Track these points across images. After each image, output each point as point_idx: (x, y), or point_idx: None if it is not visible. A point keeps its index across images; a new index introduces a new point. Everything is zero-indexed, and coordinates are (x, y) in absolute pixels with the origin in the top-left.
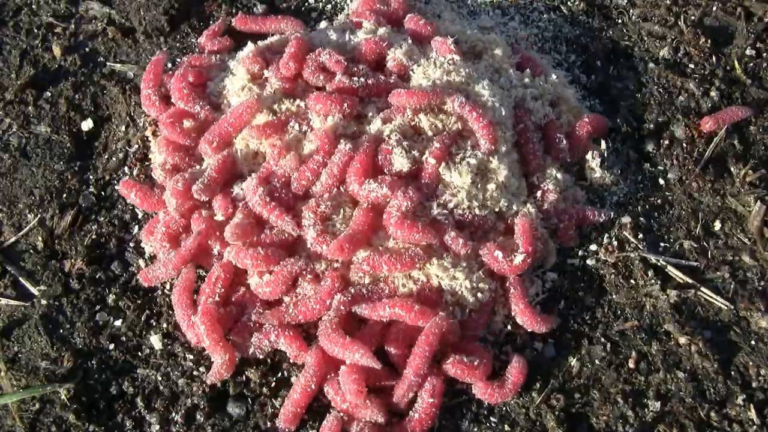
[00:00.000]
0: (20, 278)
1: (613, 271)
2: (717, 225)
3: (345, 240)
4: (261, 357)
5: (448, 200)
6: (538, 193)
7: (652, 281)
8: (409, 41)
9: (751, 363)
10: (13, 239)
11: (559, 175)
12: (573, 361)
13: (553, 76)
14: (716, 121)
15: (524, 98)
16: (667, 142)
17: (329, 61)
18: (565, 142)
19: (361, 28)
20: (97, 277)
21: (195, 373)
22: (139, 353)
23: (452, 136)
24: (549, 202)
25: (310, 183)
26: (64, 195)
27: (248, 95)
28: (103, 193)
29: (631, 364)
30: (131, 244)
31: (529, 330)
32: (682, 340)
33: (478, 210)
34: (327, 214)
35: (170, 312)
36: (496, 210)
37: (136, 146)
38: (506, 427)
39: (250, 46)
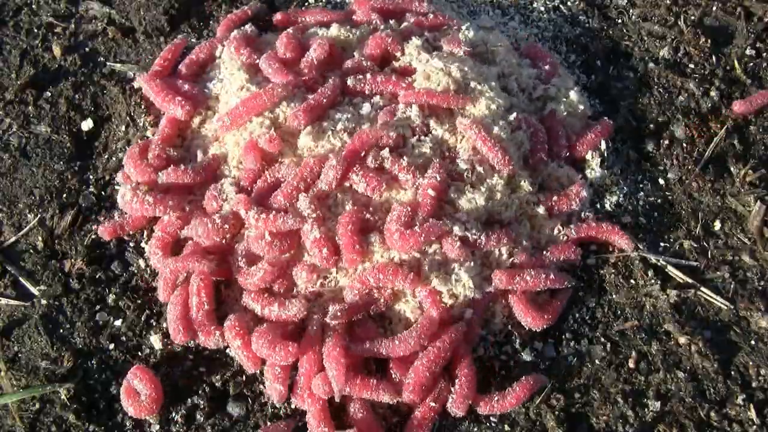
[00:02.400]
0: (20, 278)
1: (613, 271)
2: (717, 225)
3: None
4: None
5: (458, 216)
6: (556, 201)
7: (652, 281)
8: (423, 39)
9: (751, 363)
10: (13, 239)
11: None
12: (573, 361)
13: (566, 80)
14: (748, 104)
15: (531, 97)
16: (667, 142)
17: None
18: (565, 140)
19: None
20: (97, 277)
21: (195, 372)
22: (139, 353)
23: (448, 165)
24: (565, 210)
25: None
26: (64, 195)
27: (246, 96)
28: (103, 193)
29: (631, 364)
30: (131, 244)
31: (529, 327)
32: (682, 340)
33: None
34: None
35: None
36: (502, 211)
37: None
38: (506, 427)
39: (234, 33)
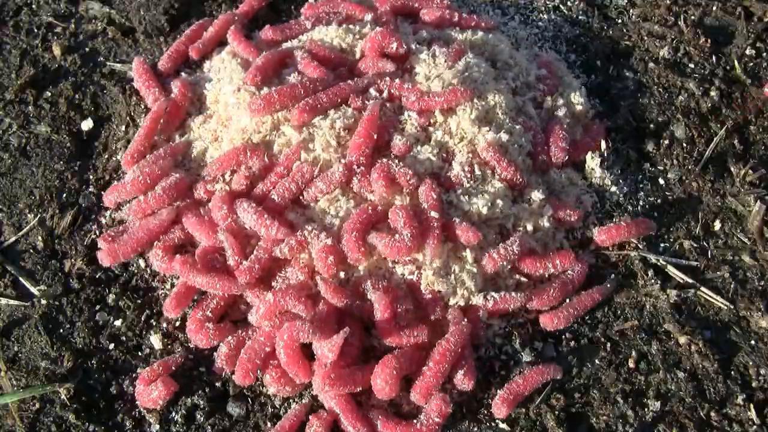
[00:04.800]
0: (20, 278)
1: (613, 271)
2: (717, 225)
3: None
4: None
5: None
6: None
7: (652, 281)
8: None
9: (751, 363)
10: (13, 239)
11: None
12: (573, 361)
13: (570, 84)
14: None
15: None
16: (667, 142)
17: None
18: (567, 144)
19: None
20: (97, 277)
21: (195, 372)
22: (139, 353)
23: (448, 168)
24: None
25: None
26: (64, 195)
27: (246, 95)
28: (103, 193)
29: (631, 364)
30: None
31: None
32: (682, 340)
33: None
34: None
35: None
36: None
37: None
38: (506, 427)
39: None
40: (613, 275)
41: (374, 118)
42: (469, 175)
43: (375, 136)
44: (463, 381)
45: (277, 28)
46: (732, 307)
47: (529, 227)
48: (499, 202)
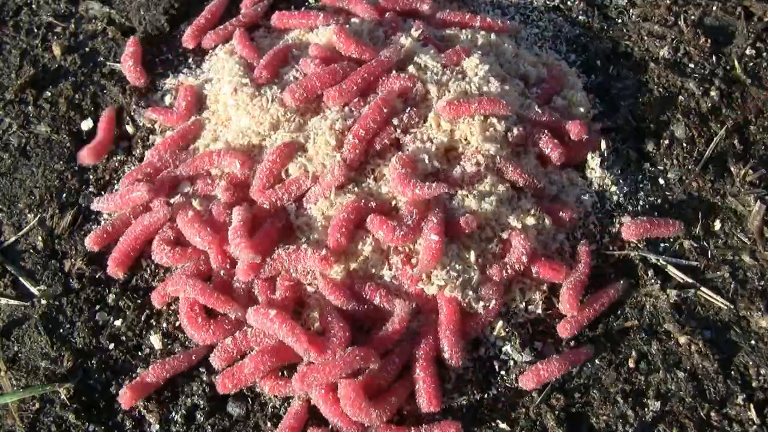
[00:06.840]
0: (20, 278)
1: (613, 270)
2: (717, 225)
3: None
4: None
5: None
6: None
7: (652, 281)
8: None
9: (751, 363)
10: (13, 239)
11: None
12: None
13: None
14: None
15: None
16: (667, 142)
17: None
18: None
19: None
20: (97, 277)
21: (195, 372)
22: (139, 353)
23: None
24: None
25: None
26: (64, 195)
27: (244, 96)
28: (103, 193)
29: (631, 364)
30: None
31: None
32: (682, 339)
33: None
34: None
35: (170, 311)
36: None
37: (137, 146)
38: (506, 427)
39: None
40: (621, 282)
41: (389, 98)
42: (475, 177)
43: (386, 113)
44: (450, 358)
45: (288, 13)
46: (732, 307)
47: (530, 229)
48: (503, 203)
